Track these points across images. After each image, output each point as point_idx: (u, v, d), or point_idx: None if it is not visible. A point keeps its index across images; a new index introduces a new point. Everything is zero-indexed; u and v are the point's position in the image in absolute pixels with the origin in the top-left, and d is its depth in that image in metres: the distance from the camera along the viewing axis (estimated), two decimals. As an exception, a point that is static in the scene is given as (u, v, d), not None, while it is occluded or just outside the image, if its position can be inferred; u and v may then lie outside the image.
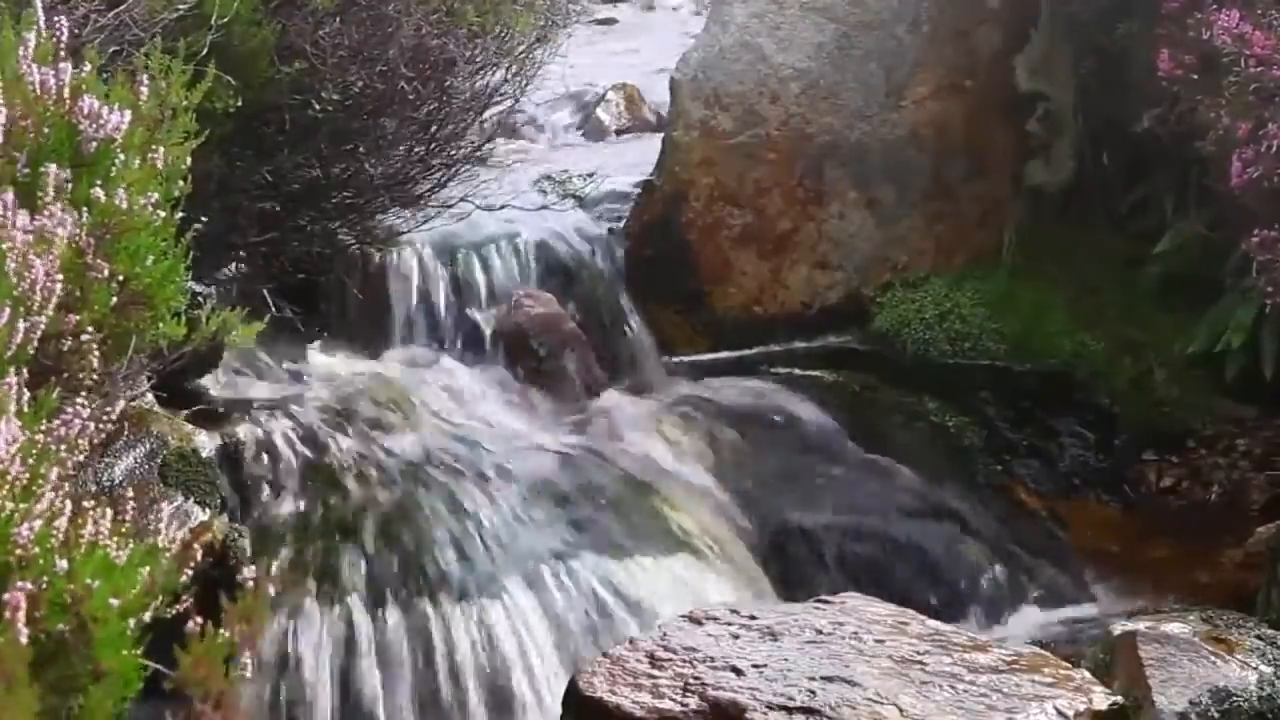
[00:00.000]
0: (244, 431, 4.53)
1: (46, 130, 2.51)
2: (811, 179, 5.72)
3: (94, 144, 2.55)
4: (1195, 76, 4.73)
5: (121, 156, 2.56)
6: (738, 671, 3.19)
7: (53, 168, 2.40)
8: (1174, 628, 3.89)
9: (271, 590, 1.89)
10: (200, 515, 4.03)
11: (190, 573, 2.17)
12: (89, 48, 2.97)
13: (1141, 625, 3.92)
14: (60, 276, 2.28)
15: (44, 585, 1.90)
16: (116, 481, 3.88)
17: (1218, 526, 5.08)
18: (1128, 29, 5.48)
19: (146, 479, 4.00)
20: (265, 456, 4.50)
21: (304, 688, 4.01)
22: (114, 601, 1.89)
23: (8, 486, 1.96)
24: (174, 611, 2.04)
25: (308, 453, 4.59)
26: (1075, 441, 5.46)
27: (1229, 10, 4.55)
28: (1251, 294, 4.89)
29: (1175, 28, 4.81)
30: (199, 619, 1.83)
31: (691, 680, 3.18)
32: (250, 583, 1.85)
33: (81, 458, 2.19)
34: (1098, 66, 5.70)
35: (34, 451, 2.06)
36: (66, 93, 2.56)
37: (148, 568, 2.05)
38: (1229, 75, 4.59)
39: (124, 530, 2.05)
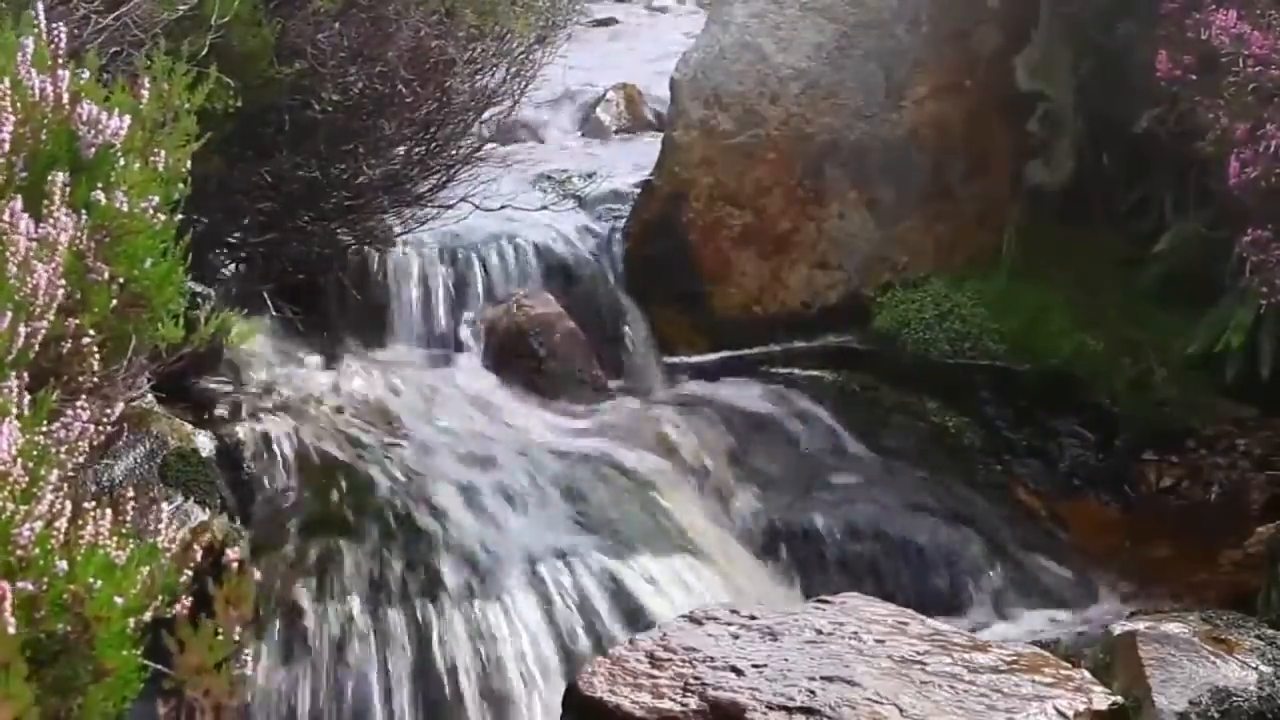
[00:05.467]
0: (244, 431, 4.53)
1: (45, 136, 2.51)
2: (811, 179, 5.72)
3: (93, 149, 2.55)
4: (1194, 77, 4.73)
5: (121, 161, 2.56)
6: (738, 671, 3.20)
7: (59, 176, 2.40)
8: (1174, 628, 3.89)
9: (255, 574, 1.89)
10: (200, 515, 4.03)
11: (190, 572, 2.17)
12: (89, 50, 2.97)
13: (1141, 625, 3.92)
14: (63, 282, 2.29)
15: (44, 586, 1.91)
16: (116, 481, 3.88)
17: (1218, 526, 5.07)
18: (1127, 29, 5.48)
19: (146, 479, 4.01)
20: (265, 456, 4.51)
21: (303, 688, 4.02)
22: (119, 600, 1.89)
23: (9, 488, 1.96)
24: (174, 611, 2.05)
25: (307, 453, 4.59)
26: (1075, 441, 5.46)
27: (1226, 10, 4.55)
28: (1251, 294, 4.89)
29: (1174, 28, 4.81)
30: (190, 607, 1.83)
31: (691, 680, 3.19)
32: (234, 565, 1.85)
33: (81, 459, 2.20)
34: (1098, 66, 5.70)
35: (34, 454, 2.06)
36: (65, 98, 2.56)
37: (148, 567, 2.05)
38: (1228, 75, 4.59)
39: (124, 531, 2.05)
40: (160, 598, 2.04)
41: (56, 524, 1.97)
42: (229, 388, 4.88)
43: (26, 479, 2.00)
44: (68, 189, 2.41)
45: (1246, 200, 4.58)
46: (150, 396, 4.12)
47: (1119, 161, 5.73)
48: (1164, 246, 5.46)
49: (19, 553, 1.90)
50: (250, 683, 3.86)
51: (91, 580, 1.90)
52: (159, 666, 1.93)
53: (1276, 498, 5.16)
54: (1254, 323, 5.09)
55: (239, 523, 4.25)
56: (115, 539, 2.01)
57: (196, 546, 2.23)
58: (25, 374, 2.20)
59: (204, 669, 1.55)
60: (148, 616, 2.01)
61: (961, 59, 5.79)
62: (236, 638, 1.79)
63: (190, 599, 2.00)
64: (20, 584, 1.75)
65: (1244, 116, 4.55)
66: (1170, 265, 5.44)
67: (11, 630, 1.59)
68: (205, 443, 4.31)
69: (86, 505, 2.04)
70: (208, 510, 4.09)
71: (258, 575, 1.97)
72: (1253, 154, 4.50)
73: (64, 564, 1.93)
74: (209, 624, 1.73)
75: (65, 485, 2.08)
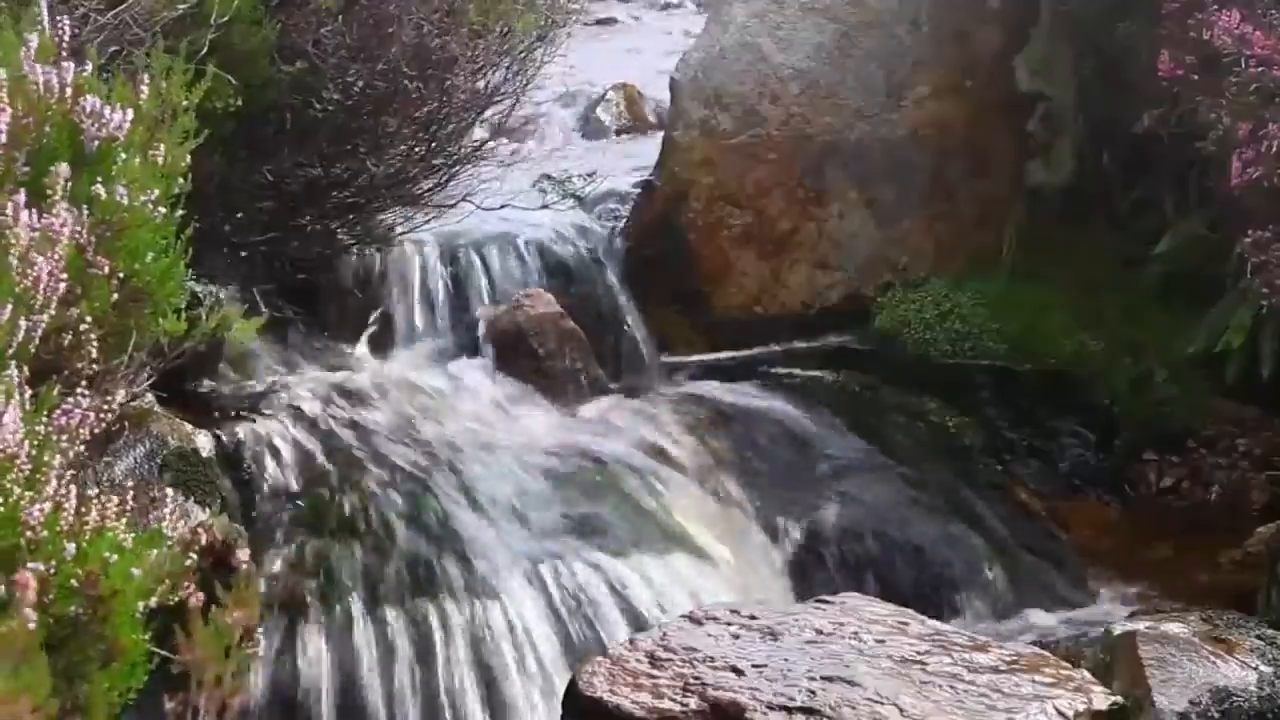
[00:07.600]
0: (244, 431, 4.53)
1: (48, 129, 2.51)
2: (812, 179, 5.72)
3: (96, 143, 2.55)
4: (1195, 77, 4.73)
5: (123, 155, 2.56)
6: (738, 671, 3.19)
7: (62, 168, 2.40)
8: (1174, 628, 3.89)
9: (253, 567, 1.90)
10: (200, 515, 4.03)
11: (194, 558, 2.17)
12: (89, 47, 2.97)
13: (1141, 625, 3.92)
14: (64, 275, 2.28)
15: (54, 569, 1.91)
16: (117, 481, 3.88)
17: (1218, 526, 5.08)
18: (1128, 29, 5.48)
19: (147, 478, 4.00)
20: (265, 456, 4.50)
21: (303, 687, 4.01)
22: (135, 571, 1.90)
23: (15, 471, 1.97)
24: (178, 598, 2.05)
25: (308, 453, 4.59)
26: (1075, 441, 5.46)
27: (1229, 10, 4.55)
28: (1251, 294, 4.89)
29: (1176, 28, 4.81)
30: (199, 598, 1.83)
31: (691, 680, 3.18)
32: (242, 568, 1.85)
33: (82, 448, 2.20)
34: (1098, 66, 5.70)
35: (37, 441, 2.06)
36: (69, 92, 2.56)
37: (154, 550, 2.05)
38: (1229, 76, 4.59)
39: (127, 519, 2.05)
40: (166, 582, 2.04)
41: (63, 509, 1.98)
42: (229, 388, 4.87)
43: (30, 465, 2.00)
44: (68, 183, 2.41)
45: (1248, 200, 4.58)
46: (150, 396, 4.11)
47: (1119, 161, 5.73)
48: (1164, 247, 5.46)
49: (29, 534, 1.91)
50: (251, 682, 3.86)
51: (106, 555, 1.90)
52: (166, 653, 1.92)
53: (1276, 498, 5.16)
54: (1254, 323, 5.09)
55: (239, 522, 4.24)
56: (122, 522, 2.01)
57: (196, 544, 2.23)
58: (26, 368, 2.20)
59: (210, 664, 1.56)
60: (154, 601, 2.01)
61: (962, 59, 5.80)
62: (240, 639, 1.79)
63: (196, 596, 2.00)
64: (31, 565, 1.75)
65: (1246, 116, 4.55)
66: (1171, 265, 5.45)
67: (32, 625, 1.60)
68: (205, 443, 4.30)
69: (91, 493, 2.05)
70: (207, 510, 4.08)
71: (254, 570, 1.97)
72: (1255, 154, 4.50)
73: (72, 547, 1.93)
74: (215, 620, 1.73)
75: (69, 472, 2.09)
